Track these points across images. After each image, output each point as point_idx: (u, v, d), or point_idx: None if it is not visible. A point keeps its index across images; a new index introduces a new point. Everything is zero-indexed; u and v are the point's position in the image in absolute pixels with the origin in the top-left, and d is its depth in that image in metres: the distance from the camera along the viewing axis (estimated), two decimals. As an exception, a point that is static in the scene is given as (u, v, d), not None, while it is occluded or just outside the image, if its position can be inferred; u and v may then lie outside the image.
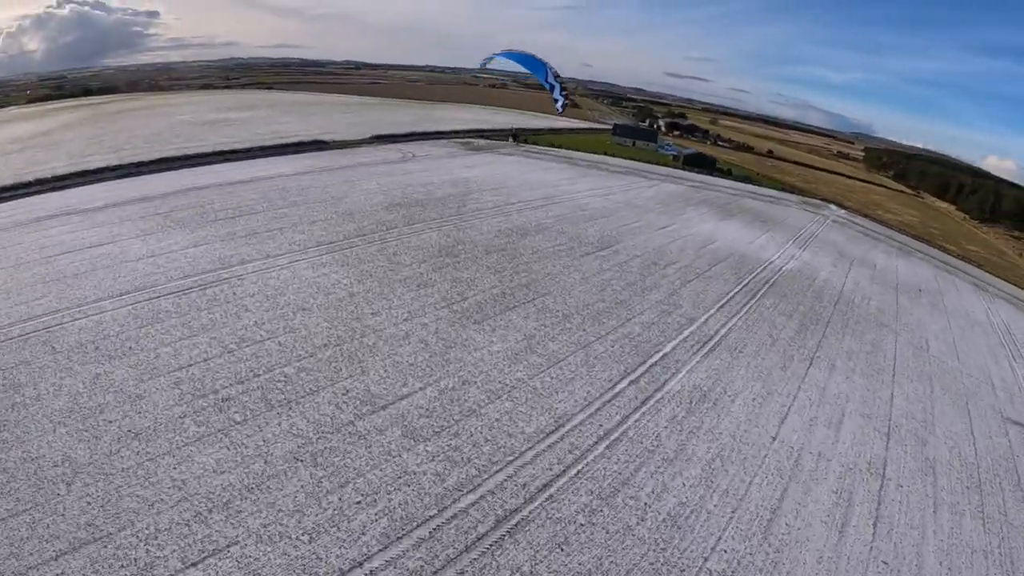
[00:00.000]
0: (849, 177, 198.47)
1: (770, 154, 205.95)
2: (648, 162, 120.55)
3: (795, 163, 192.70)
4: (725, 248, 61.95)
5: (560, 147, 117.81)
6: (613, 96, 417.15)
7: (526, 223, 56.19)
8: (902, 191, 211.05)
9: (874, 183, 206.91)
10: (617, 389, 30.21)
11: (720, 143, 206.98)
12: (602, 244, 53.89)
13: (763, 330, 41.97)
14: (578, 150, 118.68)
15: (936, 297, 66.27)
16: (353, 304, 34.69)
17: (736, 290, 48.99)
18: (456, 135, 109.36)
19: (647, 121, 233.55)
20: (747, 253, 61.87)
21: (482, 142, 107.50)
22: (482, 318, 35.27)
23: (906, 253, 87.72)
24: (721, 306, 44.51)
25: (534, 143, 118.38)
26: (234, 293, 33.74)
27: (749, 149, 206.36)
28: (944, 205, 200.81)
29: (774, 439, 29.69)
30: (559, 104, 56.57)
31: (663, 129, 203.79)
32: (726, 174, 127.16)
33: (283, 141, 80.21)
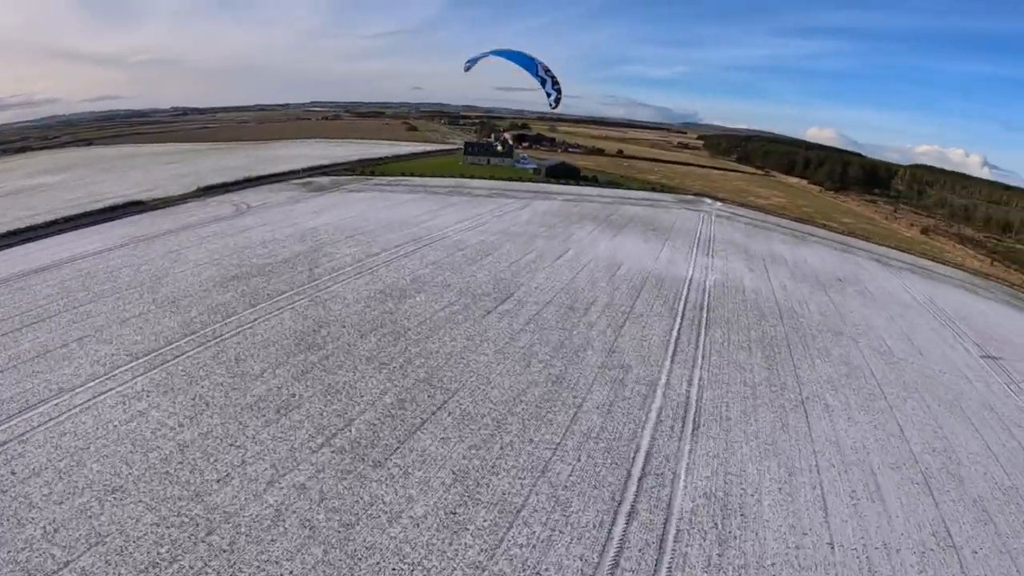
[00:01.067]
0: (701, 166, 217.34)
1: (621, 154, 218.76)
2: (510, 179, 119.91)
3: (648, 160, 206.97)
4: (637, 271, 59.30)
5: (413, 175, 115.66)
6: (447, 115, 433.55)
7: (399, 279, 48.30)
8: (754, 173, 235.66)
9: (726, 168, 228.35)
10: (616, 536, 22.75)
11: (571, 149, 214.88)
12: (501, 293, 47.23)
13: (733, 377, 37.97)
14: (433, 175, 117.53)
15: (857, 284, 70.16)
16: (188, 467, 23.84)
17: (677, 326, 44.95)
18: (295, 175, 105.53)
19: (492, 136, 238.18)
20: (662, 273, 59.51)
21: (325, 180, 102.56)
22: (382, 454, 26.16)
23: (801, 239, 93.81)
24: (673, 354, 39.44)
25: (383, 173, 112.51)
26: (12, 474, 21.75)
27: (600, 152, 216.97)
28: (794, 180, 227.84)
29: (831, 545, 24.26)
30: (552, 99, 54.79)
31: (510, 142, 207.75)
32: (593, 182, 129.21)
33: (97, 205, 72.45)
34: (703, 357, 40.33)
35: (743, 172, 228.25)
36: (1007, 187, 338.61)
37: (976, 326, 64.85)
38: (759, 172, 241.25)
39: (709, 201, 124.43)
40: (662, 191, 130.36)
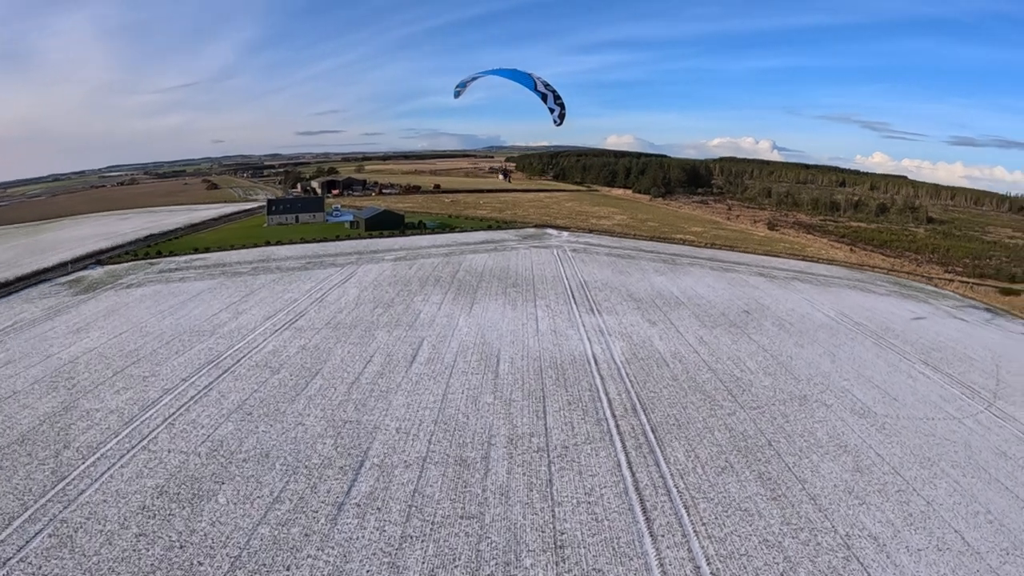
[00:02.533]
0: (526, 191, 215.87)
1: (439, 189, 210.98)
2: (325, 239, 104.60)
3: (469, 192, 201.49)
4: (523, 360, 48.67)
5: (209, 250, 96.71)
6: (251, 167, 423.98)
7: (190, 459, 33.41)
8: (577, 189, 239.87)
9: (550, 189, 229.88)
10: None
11: (386, 191, 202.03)
12: (349, 458, 33.76)
13: (743, 534, 27.59)
14: (233, 246, 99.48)
15: (765, 313, 67.24)
16: None
17: (623, 459, 33.94)
18: (64, 269, 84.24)
19: (298, 186, 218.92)
20: (555, 357, 49.26)
21: (99, 273, 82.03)
22: None
23: (673, 263, 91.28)
24: (648, 523, 27.87)
25: (173, 252, 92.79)
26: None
27: (417, 189, 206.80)
28: (620, 192, 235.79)
29: None
30: (556, 115, 51.16)
31: (319, 191, 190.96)
32: (422, 229, 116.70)
33: None
34: (687, 510, 28.86)
35: (567, 190, 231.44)
36: (806, 166, 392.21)
37: (905, 336, 63.10)
38: (582, 188, 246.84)
39: (554, 232, 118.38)
40: (500, 227, 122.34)
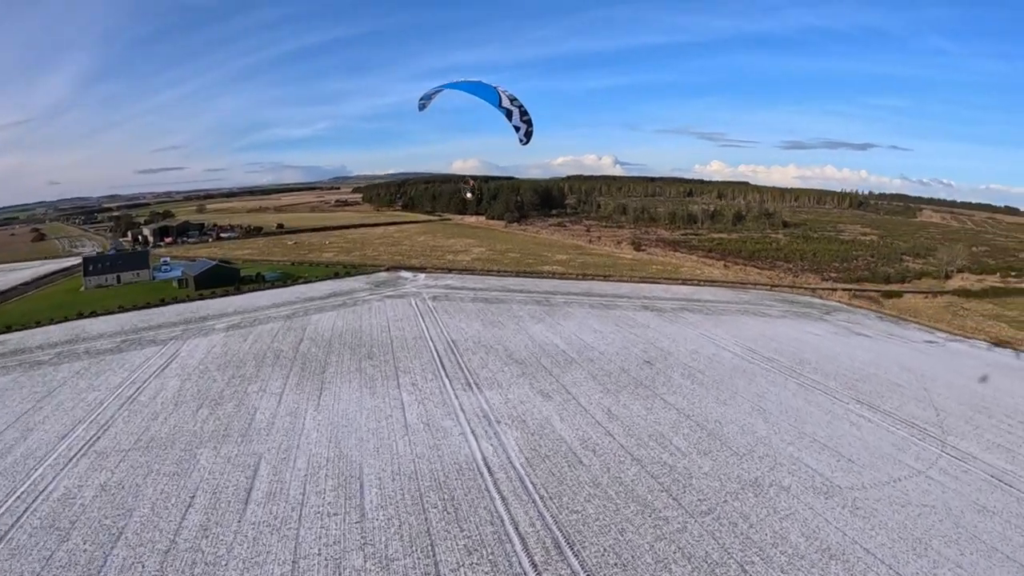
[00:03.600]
0: (375, 224, 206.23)
1: (282, 229, 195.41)
2: (148, 305, 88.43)
3: (315, 230, 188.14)
4: (392, 482, 39.13)
5: (10, 329, 78.54)
6: (87, 211, 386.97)
7: None
8: (428, 219, 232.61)
9: (399, 221, 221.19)
10: None
11: (224, 235, 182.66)
12: None
13: None
14: (39, 323, 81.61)
15: (668, 360, 61.16)
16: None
17: None
18: None
19: (129, 234, 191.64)
20: (436, 470, 40.28)
21: None
22: None
23: (547, 304, 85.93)
24: None
25: None
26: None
27: (259, 231, 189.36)
28: (473, 219, 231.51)
29: None
30: (521, 133, 46.59)
31: (151, 240, 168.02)
32: (260, 283, 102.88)
33: None
34: None
35: (418, 221, 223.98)
36: (652, 179, 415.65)
37: (823, 368, 60.26)
38: (433, 218, 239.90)
39: (409, 275, 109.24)
40: (348, 274, 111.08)
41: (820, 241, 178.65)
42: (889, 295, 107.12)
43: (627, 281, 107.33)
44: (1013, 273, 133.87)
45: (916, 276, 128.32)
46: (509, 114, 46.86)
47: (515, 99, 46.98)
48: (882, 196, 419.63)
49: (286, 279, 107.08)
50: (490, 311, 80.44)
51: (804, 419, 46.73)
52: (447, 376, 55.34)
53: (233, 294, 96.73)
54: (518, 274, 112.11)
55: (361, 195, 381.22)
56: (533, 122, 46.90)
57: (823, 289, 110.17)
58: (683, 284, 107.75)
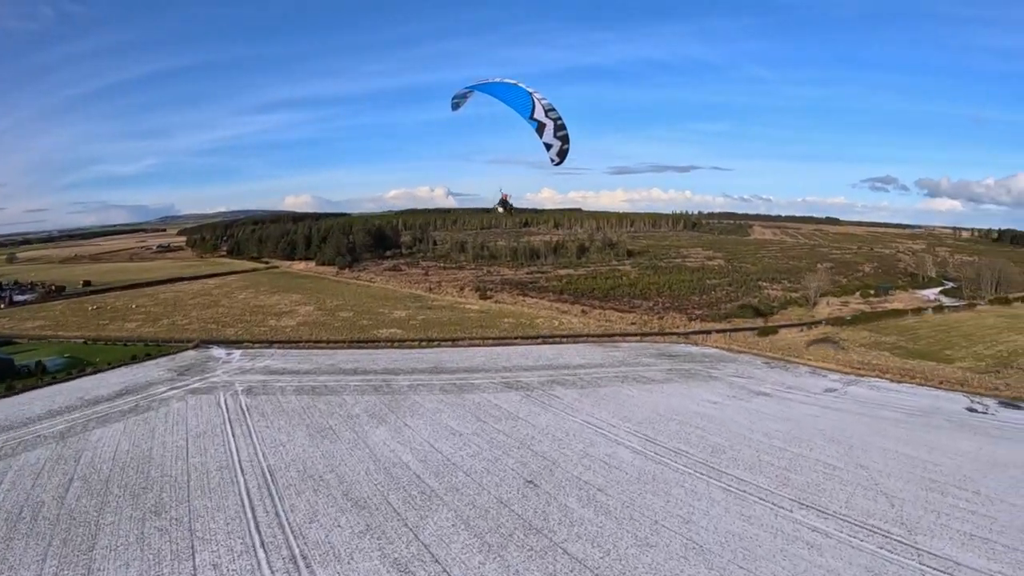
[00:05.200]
0: (194, 278, 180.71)
1: (88, 286, 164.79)
2: None
3: (124, 288, 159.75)
4: None
5: None
6: None
7: None
8: (255, 268, 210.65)
9: (222, 273, 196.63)
10: None
11: (19, 297, 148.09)
12: None
13: None
14: None
15: (556, 477, 46.79)
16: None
17: None
18: None
19: None
20: None
21: None
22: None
23: (393, 397, 69.62)
24: None
25: None
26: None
27: (61, 291, 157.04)
28: (302, 266, 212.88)
29: None
30: (553, 152, 40.56)
31: None
32: (39, 376, 78.30)
33: None
34: None
35: (243, 271, 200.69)
36: (486, 210, 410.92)
37: (743, 460, 49.03)
38: (260, 265, 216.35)
39: (222, 354, 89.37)
40: (148, 355, 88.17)
41: (671, 271, 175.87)
42: (765, 332, 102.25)
43: (480, 345, 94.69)
44: (871, 292, 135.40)
45: (782, 306, 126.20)
46: (540, 128, 40.71)
47: (552, 110, 40.41)
48: (711, 215, 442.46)
49: (73, 368, 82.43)
50: (318, 409, 63.73)
51: (754, 551, 35.15)
52: (262, 545, 38.05)
53: (14, 394, 71.72)
54: (351, 344, 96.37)
55: (185, 238, 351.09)
56: (570, 138, 39.99)
57: (695, 334, 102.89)
58: (544, 343, 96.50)
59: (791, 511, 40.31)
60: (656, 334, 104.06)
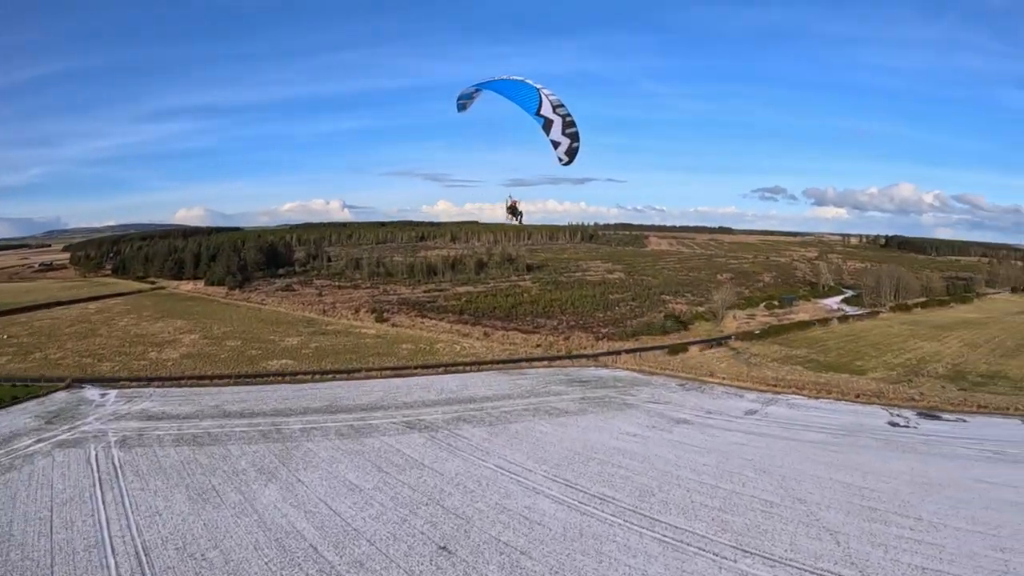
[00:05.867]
0: (73, 301, 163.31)
1: None
2: None
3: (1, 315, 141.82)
4: None
5: None
6: None
7: None
8: (140, 289, 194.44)
9: (104, 295, 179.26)
10: None
11: None
12: None
13: None
14: None
15: (472, 540, 41.99)
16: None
17: None
18: None
19: None
20: None
21: None
22: None
23: (285, 445, 61.92)
24: None
25: None
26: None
27: None
28: (190, 287, 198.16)
29: None
30: (562, 151, 38.06)
31: None
32: None
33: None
34: None
35: (127, 292, 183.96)
36: (383, 223, 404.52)
37: (675, 502, 44.72)
38: (145, 286, 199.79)
39: (97, 395, 78.85)
40: (15, 399, 75.81)
41: (572, 287, 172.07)
42: (675, 350, 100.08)
43: (377, 376, 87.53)
44: (776, 304, 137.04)
45: (689, 321, 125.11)
46: (547, 125, 37.97)
47: (561, 106, 37.89)
48: (607, 226, 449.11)
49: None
50: (201, 464, 55.09)
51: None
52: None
53: None
54: (238, 379, 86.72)
55: (69, 255, 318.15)
56: (580, 137, 36.91)
57: (604, 355, 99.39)
58: (446, 372, 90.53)
59: (735, 561, 36.59)
60: (564, 357, 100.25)
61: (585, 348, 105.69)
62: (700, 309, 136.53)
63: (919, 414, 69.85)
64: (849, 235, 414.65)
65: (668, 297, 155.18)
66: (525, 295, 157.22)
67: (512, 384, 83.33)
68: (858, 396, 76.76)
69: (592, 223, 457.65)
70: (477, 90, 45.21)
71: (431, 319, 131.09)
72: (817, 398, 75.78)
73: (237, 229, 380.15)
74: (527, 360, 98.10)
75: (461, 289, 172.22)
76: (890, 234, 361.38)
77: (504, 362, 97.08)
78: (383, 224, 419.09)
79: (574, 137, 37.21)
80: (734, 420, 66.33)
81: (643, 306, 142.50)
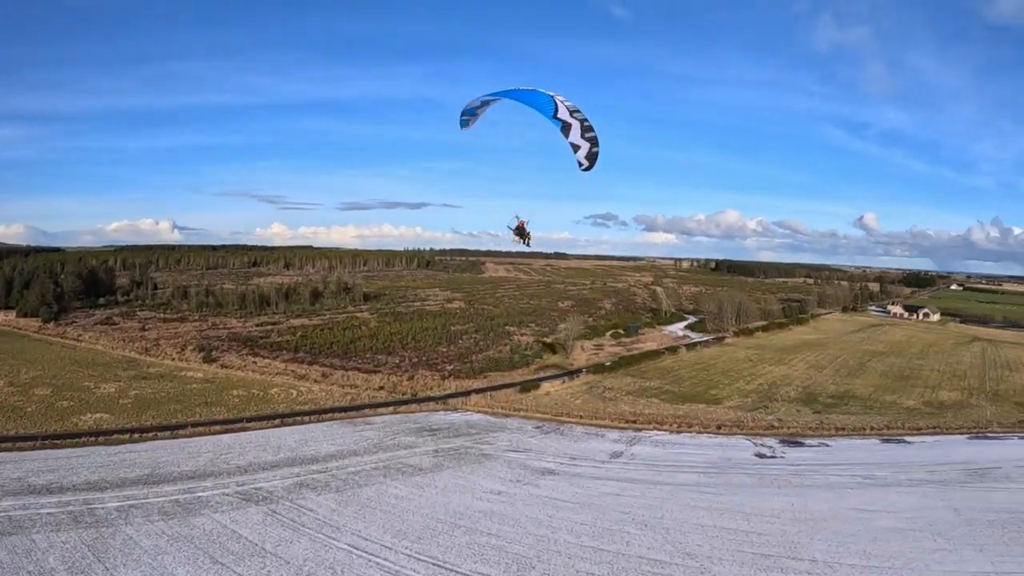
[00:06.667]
0: None
1: None
2: None
3: None
4: None
5: None
6: None
7: None
8: None
9: None
10: None
11: None
12: None
13: None
14: None
15: None
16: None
17: None
18: None
19: None
20: None
21: None
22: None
23: (96, 530, 49.66)
24: None
25: None
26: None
27: None
28: (1, 316, 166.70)
29: None
30: (582, 155, 36.28)
31: None
32: None
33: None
34: None
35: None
36: (214, 247, 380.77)
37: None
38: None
39: None
40: None
41: (412, 318, 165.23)
42: (527, 388, 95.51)
43: (206, 432, 75.39)
44: (622, 333, 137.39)
45: (537, 353, 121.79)
46: (566, 128, 36.17)
47: (577, 111, 36.37)
48: (443, 252, 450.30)
49: None
50: (-7, 568, 42.03)
51: None
52: None
53: None
54: (45, 441, 70.89)
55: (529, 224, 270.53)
56: (599, 142, 35.41)
57: (453, 397, 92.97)
58: (283, 424, 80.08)
59: None
60: (410, 402, 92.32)
61: (432, 389, 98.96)
62: (547, 340, 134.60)
63: (782, 442, 70.02)
64: (680, 259, 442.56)
65: (512, 328, 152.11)
66: (363, 328, 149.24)
67: (357, 437, 74.80)
68: (719, 427, 76.03)
69: (428, 248, 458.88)
70: (484, 103, 43.67)
71: (264, 358, 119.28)
72: (679, 432, 74.16)
73: (58, 250, 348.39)
74: (371, 406, 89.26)
75: (296, 322, 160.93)
76: (719, 258, 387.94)
77: (346, 409, 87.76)
78: (215, 248, 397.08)
79: (594, 142, 34.97)
80: (601, 466, 62.30)
81: (487, 339, 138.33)
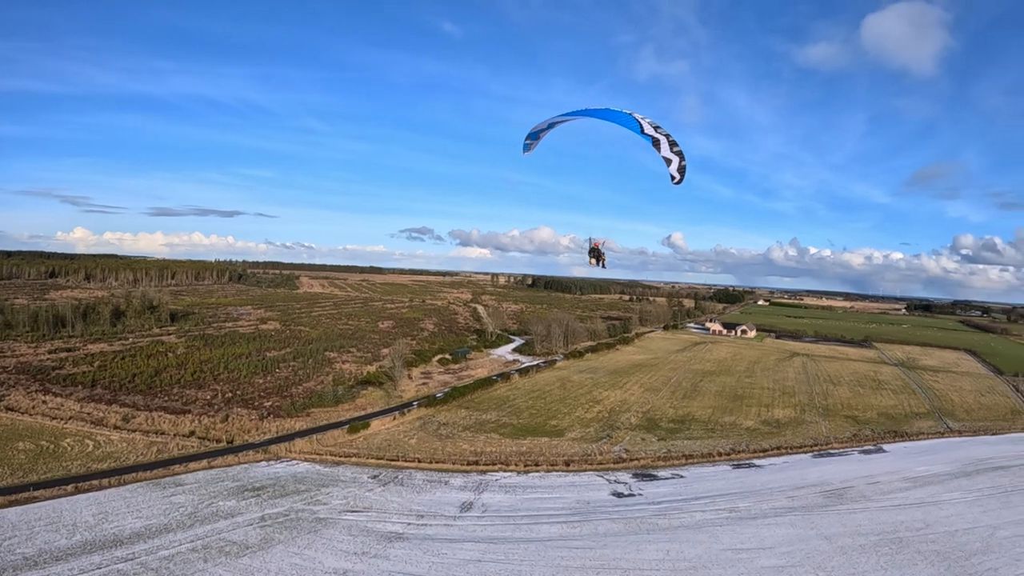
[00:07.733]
0: None
1: None
2: None
3: None
4: None
5: None
6: None
7: None
8: None
9: None
10: None
11: None
12: None
13: None
14: None
15: None
16: None
17: None
18: None
19: None
20: None
21: None
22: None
23: None
24: None
25: None
26: None
27: None
28: None
29: None
30: (673, 167, 37.75)
31: None
32: None
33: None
34: None
35: None
36: (8, 253, 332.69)
37: None
38: None
39: None
40: None
41: (224, 342, 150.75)
42: (356, 427, 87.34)
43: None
44: (450, 358, 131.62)
45: (362, 383, 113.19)
46: (656, 143, 36.27)
47: (659, 127, 37.06)
48: (256, 264, 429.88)
49: None
50: None
51: None
52: None
53: None
54: None
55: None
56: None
57: (274, 442, 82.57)
58: (77, 491, 64.81)
59: None
60: (227, 452, 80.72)
61: (250, 432, 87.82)
62: (371, 368, 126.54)
63: (635, 476, 68.62)
64: (496, 274, 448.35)
65: (333, 354, 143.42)
66: (170, 355, 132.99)
67: (168, 504, 62.09)
68: (568, 463, 73.28)
69: (241, 259, 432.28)
70: (551, 125, 42.98)
71: (57, 395, 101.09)
72: (527, 472, 70.21)
73: None
74: (182, 461, 76.78)
75: (94, 347, 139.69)
76: (534, 273, 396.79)
77: (153, 466, 74.68)
78: (8, 255, 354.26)
79: (681, 155, 36.19)
80: (453, 523, 56.05)
81: (307, 367, 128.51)
